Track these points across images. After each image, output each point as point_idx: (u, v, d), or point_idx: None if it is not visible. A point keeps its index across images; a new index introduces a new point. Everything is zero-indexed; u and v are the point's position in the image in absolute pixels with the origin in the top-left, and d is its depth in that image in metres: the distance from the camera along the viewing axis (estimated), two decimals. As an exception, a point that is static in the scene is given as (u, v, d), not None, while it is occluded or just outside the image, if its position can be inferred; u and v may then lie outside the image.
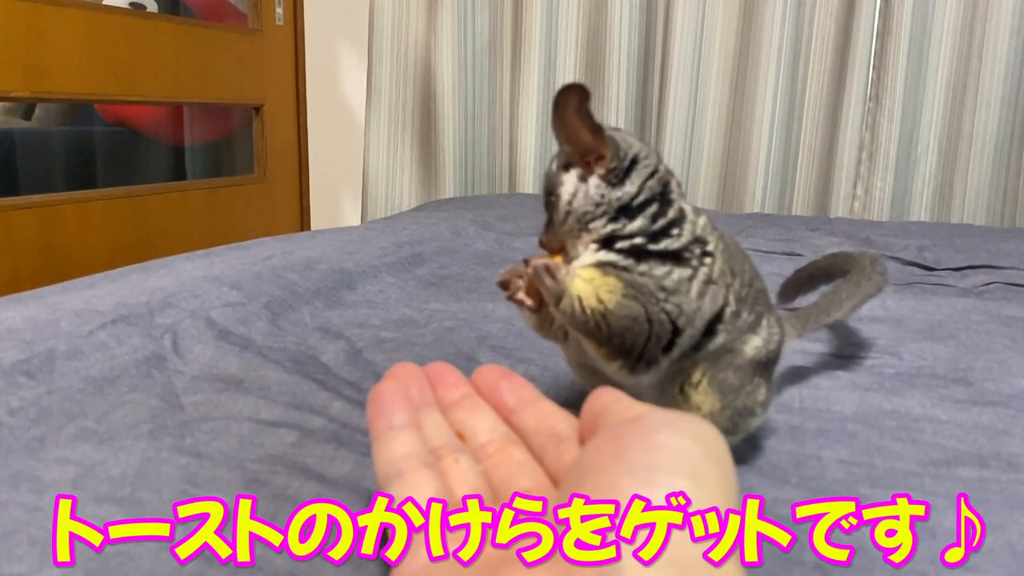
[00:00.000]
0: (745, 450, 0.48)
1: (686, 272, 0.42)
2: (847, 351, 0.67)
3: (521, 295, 0.44)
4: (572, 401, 0.37)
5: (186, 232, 1.76)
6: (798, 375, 0.61)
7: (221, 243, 1.04)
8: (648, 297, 0.41)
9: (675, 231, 0.42)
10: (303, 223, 2.19)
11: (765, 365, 0.46)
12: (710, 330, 0.43)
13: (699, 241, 0.42)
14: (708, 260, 0.42)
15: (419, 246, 1.05)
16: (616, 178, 0.42)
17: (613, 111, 1.79)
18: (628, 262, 0.41)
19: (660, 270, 0.41)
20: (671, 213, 0.42)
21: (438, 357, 0.63)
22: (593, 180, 0.42)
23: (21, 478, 0.41)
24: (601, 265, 0.42)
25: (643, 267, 0.41)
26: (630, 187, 0.42)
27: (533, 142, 1.85)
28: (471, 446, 0.36)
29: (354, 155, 2.08)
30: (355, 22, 2.01)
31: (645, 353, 0.42)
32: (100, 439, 0.46)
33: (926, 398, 0.57)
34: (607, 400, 0.32)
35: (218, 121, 2.22)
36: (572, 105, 0.41)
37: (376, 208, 1.95)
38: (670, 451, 0.26)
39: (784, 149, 1.76)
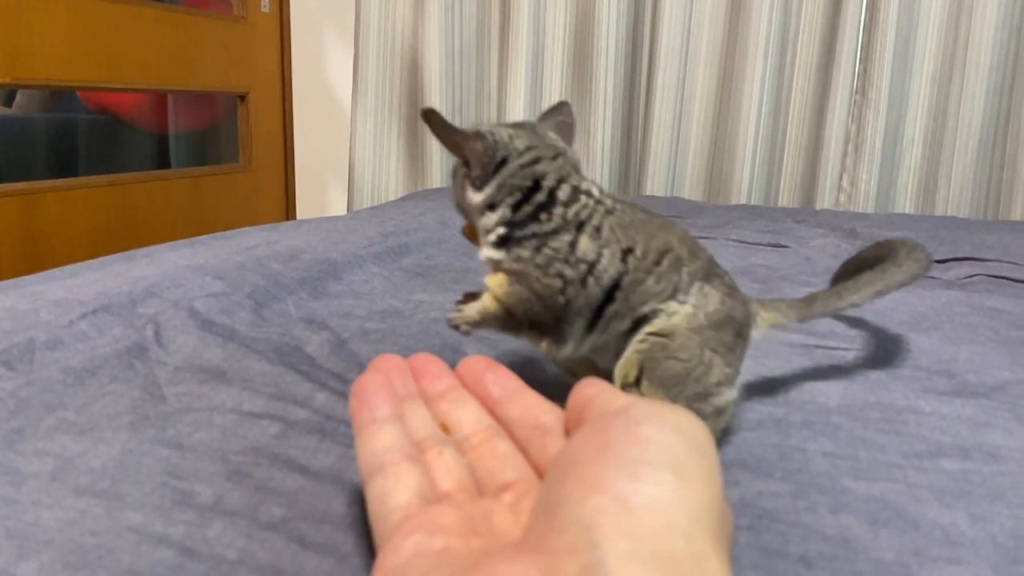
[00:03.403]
0: (730, 442, 0.48)
1: (559, 245, 0.44)
2: (831, 343, 0.67)
3: (464, 328, 0.49)
4: (557, 392, 0.37)
5: (170, 221, 1.75)
6: (783, 367, 0.61)
7: (205, 232, 1.03)
8: (527, 278, 0.45)
9: (543, 216, 0.45)
10: (288, 213, 2.17)
11: (714, 335, 0.45)
12: (613, 298, 0.45)
13: (575, 222, 0.45)
14: (586, 234, 0.45)
15: (405, 236, 1.05)
16: (480, 181, 0.46)
17: (600, 102, 1.79)
18: (502, 255, 0.46)
19: (527, 252, 0.45)
20: (538, 198, 0.45)
21: (423, 348, 0.63)
22: (467, 183, 0.47)
23: (-1, 470, 0.40)
24: (489, 262, 0.47)
25: (514, 253, 0.45)
26: (489, 189, 0.46)
27: (520, 132, 1.84)
28: (455, 438, 0.35)
29: (340, 144, 2.06)
30: (341, 10, 2.00)
31: (556, 326, 0.46)
32: (80, 431, 0.46)
33: (909, 390, 0.57)
34: (593, 391, 0.32)
35: (203, 109, 2.20)
36: (434, 125, 0.45)
37: (362, 198, 1.94)
38: (655, 444, 0.26)
39: (770, 141, 1.76)
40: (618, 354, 0.46)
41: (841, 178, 1.73)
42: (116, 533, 0.36)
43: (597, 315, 0.46)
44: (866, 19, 1.66)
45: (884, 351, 0.66)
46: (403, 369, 0.38)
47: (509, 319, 0.46)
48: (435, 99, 1.85)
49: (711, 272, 0.47)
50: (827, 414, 0.53)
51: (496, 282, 0.46)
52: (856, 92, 1.69)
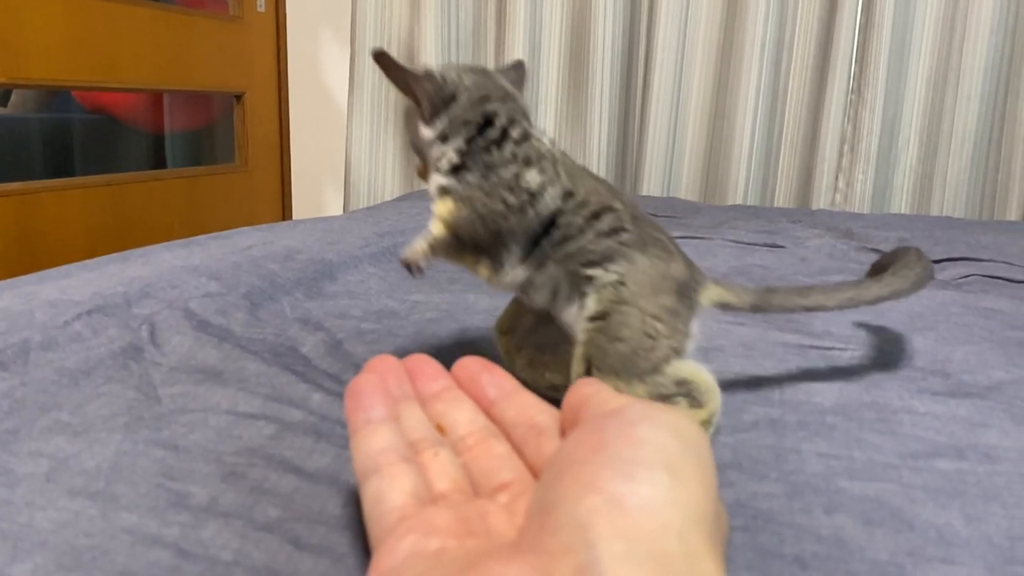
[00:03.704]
0: (725, 443, 0.48)
1: (507, 175, 0.47)
2: (827, 343, 0.67)
3: (416, 264, 0.51)
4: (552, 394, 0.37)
5: (166, 221, 1.74)
6: (778, 368, 0.62)
7: (201, 233, 1.03)
8: (473, 202, 0.48)
9: (495, 150, 0.48)
10: (284, 213, 2.17)
11: (652, 300, 0.46)
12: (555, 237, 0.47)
13: (523, 158, 0.48)
14: (533, 169, 0.47)
15: (401, 236, 1.05)
16: (431, 117, 0.49)
17: (596, 102, 1.79)
18: (451, 181, 0.48)
19: (475, 178, 0.48)
20: (492, 134, 0.48)
21: (419, 349, 0.63)
22: (420, 121, 0.50)
23: (-7, 471, 0.40)
24: (440, 190, 0.49)
25: (464, 178, 0.48)
26: (440, 124, 0.49)
27: (517, 132, 1.84)
28: (451, 439, 0.35)
29: (336, 144, 2.06)
30: (338, 10, 1.99)
31: (496, 251, 0.48)
32: (75, 432, 0.45)
33: (904, 390, 0.57)
34: (588, 392, 0.32)
35: (198, 109, 2.20)
36: (386, 67, 0.49)
37: (358, 198, 1.94)
38: (649, 445, 0.26)
39: (767, 141, 1.77)
40: (554, 294, 0.48)
41: (837, 178, 1.73)
42: (110, 534, 0.36)
43: (534, 246, 0.48)
44: (862, 20, 1.67)
45: (879, 351, 0.66)
46: (398, 370, 0.38)
47: (455, 244, 0.49)
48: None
49: (648, 240, 0.48)
50: (822, 414, 0.53)
51: (445, 208, 0.49)
52: (852, 92, 1.69)
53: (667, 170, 1.80)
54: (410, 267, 0.50)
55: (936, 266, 1.01)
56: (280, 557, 0.35)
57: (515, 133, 0.48)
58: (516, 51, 1.80)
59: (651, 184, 1.80)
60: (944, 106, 1.67)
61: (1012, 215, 1.67)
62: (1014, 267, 0.98)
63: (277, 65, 2.09)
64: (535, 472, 0.33)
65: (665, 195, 1.80)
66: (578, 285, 0.47)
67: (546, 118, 1.84)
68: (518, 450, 0.34)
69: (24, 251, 1.43)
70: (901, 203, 1.72)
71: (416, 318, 0.72)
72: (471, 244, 0.49)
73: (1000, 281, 0.94)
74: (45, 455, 0.42)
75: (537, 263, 0.48)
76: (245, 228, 1.07)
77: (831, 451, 0.48)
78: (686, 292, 0.48)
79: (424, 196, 1.53)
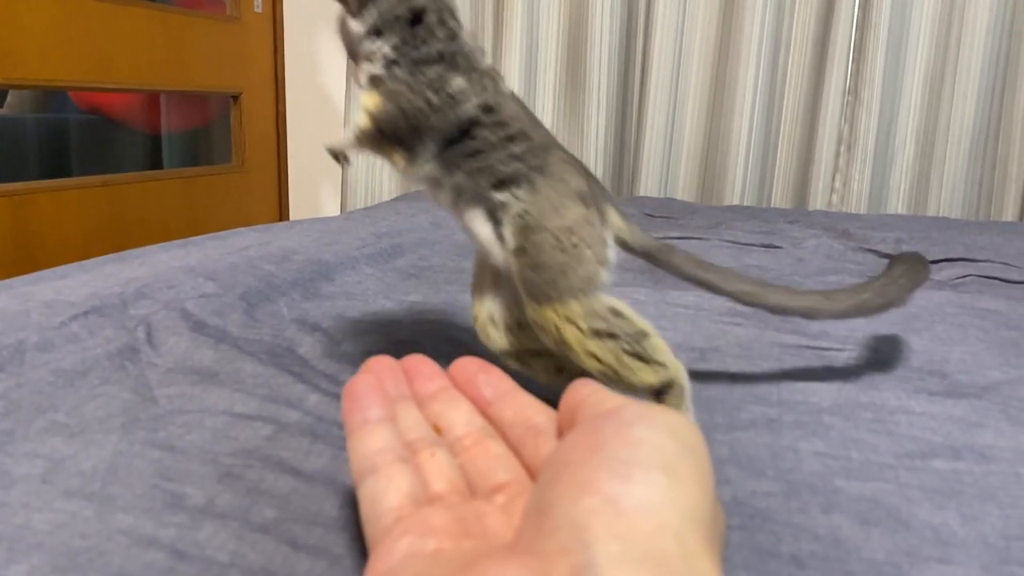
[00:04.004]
0: (722, 442, 0.48)
1: (433, 75, 0.49)
2: (824, 343, 0.67)
3: (343, 153, 0.53)
4: (550, 393, 0.37)
5: (162, 222, 1.74)
6: (775, 368, 0.62)
7: (198, 233, 1.03)
8: (398, 96, 0.49)
9: (424, 47, 0.49)
10: (282, 213, 2.17)
11: (559, 215, 0.48)
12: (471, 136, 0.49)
13: (451, 59, 0.49)
14: (460, 75, 0.49)
15: (398, 237, 1.05)
16: (357, 9, 0.50)
17: (593, 103, 1.79)
18: (383, 71, 0.50)
19: (403, 73, 0.49)
20: (420, 32, 0.49)
21: (416, 349, 0.63)
22: (348, 16, 0.51)
23: (-11, 473, 0.40)
24: (371, 80, 0.50)
25: (394, 72, 0.49)
26: (369, 18, 0.50)
27: (514, 133, 1.84)
28: (448, 439, 0.35)
29: (333, 145, 2.06)
30: (335, 10, 1.99)
31: (412, 144, 0.50)
32: (71, 433, 0.45)
33: (901, 390, 0.57)
34: (585, 393, 0.32)
35: (195, 109, 2.19)
36: None
37: (356, 198, 1.94)
38: (646, 445, 0.26)
39: (764, 141, 1.77)
40: (456, 200, 0.51)
41: (834, 179, 1.73)
42: (106, 535, 0.36)
43: (447, 147, 0.50)
44: (859, 19, 1.67)
45: (876, 352, 0.66)
46: (395, 370, 0.38)
47: (377, 136, 0.51)
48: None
49: (556, 168, 0.50)
50: (819, 414, 0.53)
51: (372, 101, 0.50)
52: (849, 93, 1.70)
53: (664, 171, 1.80)
54: (337, 156, 0.52)
55: (933, 266, 1.02)
56: (277, 558, 0.35)
57: (441, 33, 0.50)
58: (513, 52, 1.80)
59: (648, 185, 1.80)
60: (940, 106, 1.67)
61: (1008, 215, 1.67)
62: (1010, 267, 0.98)
63: (274, 65, 2.09)
64: (532, 473, 0.33)
65: (662, 196, 1.80)
66: (486, 202, 0.50)
67: (543, 119, 1.84)
68: (515, 451, 0.34)
69: (20, 252, 1.43)
70: (898, 203, 1.72)
71: (413, 318, 0.72)
72: (392, 137, 0.51)
73: (996, 281, 0.94)
74: (41, 456, 0.42)
75: (447, 166, 0.50)
76: (242, 229, 1.07)
77: (828, 450, 0.48)
78: (591, 201, 0.50)
79: (421, 197, 1.53)
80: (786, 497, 0.42)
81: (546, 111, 1.83)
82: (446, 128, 0.49)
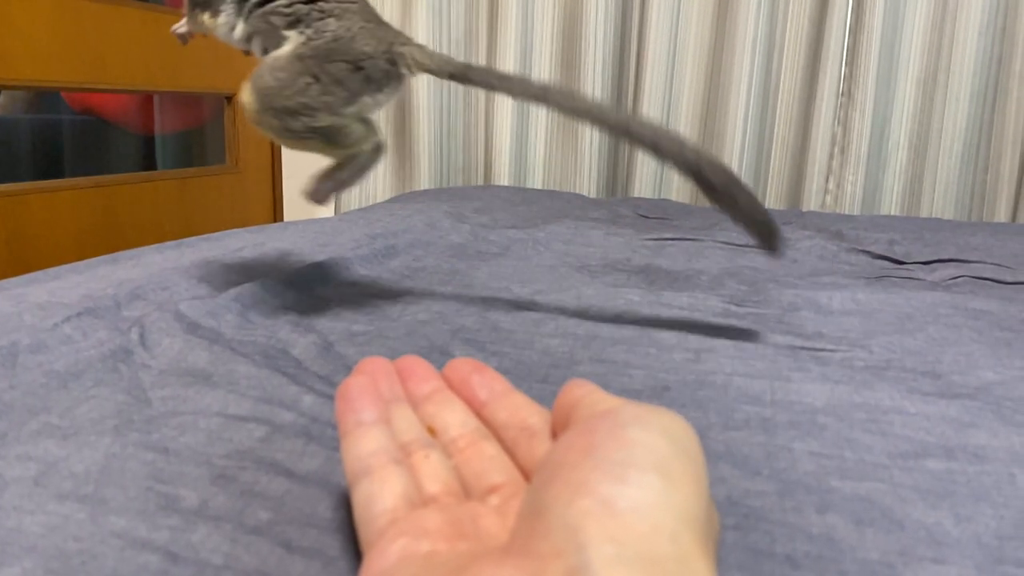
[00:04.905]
0: (716, 440, 0.48)
1: None
2: (818, 344, 0.68)
3: (181, 33, 0.66)
4: (545, 395, 0.37)
5: (156, 223, 1.73)
6: (769, 368, 0.62)
7: (192, 234, 1.03)
8: None
9: None
10: (276, 214, 2.16)
11: (316, 64, 0.56)
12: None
13: None
14: None
15: (393, 238, 1.05)
16: None
17: (588, 103, 1.79)
18: None
19: None
20: None
21: (411, 350, 0.63)
22: None
23: (-19, 475, 0.40)
24: None
25: None
26: None
27: (508, 134, 1.85)
28: (442, 441, 0.35)
29: (328, 146, 2.05)
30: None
31: (215, 5, 0.59)
32: (64, 435, 0.45)
33: (895, 391, 0.57)
34: (580, 393, 0.32)
35: (189, 110, 2.19)
36: None
37: (350, 199, 1.94)
38: (640, 446, 0.26)
39: (757, 143, 1.77)
40: (264, 47, 0.60)
41: (827, 180, 1.74)
42: (99, 538, 0.35)
43: (242, 4, 0.59)
44: (852, 22, 1.67)
45: (870, 352, 0.66)
46: (389, 371, 0.38)
47: (190, 5, 0.60)
48: (422, 100, 1.85)
49: (348, 12, 0.57)
50: (813, 414, 0.53)
51: None
52: (842, 94, 1.70)
53: (659, 171, 1.81)
54: (182, 38, 0.61)
55: (926, 267, 1.02)
56: (271, 560, 0.35)
57: None
58: (508, 53, 1.80)
59: (643, 185, 1.80)
60: (933, 108, 1.67)
61: (1001, 216, 1.68)
62: (1003, 268, 0.99)
63: (268, 66, 2.08)
64: (527, 474, 0.33)
65: (656, 196, 1.81)
66: (278, 42, 0.57)
67: (538, 119, 1.84)
68: (509, 452, 0.34)
69: (13, 253, 1.42)
70: (891, 205, 1.72)
71: (407, 320, 0.72)
72: (198, 3, 0.61)
73: (989, 282, 0.95)
74: (34, 459, 0.42)
75: (244, 16, 0.58)
76: (236, 230, 1.07)
77: (822, 450, 0.48)
78: (365, 66, 0.56)
79: (415, 198, 1.53)
80: (780, 497, 0.42)
81: (540, 111, 1.83)
82: None
